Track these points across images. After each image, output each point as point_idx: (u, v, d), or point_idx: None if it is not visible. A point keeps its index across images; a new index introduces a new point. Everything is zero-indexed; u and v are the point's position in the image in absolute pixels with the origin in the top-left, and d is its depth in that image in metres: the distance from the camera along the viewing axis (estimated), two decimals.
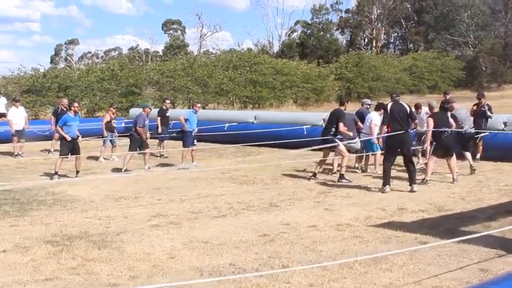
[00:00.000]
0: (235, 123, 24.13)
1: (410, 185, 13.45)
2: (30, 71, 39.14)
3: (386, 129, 13.86)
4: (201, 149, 19.81)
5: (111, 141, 20.35)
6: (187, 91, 41.94)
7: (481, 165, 16.28)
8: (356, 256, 8.11)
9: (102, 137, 20.39)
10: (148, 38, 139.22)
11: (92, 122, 27.88)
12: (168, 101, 22.73)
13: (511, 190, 13.21)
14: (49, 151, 21.75)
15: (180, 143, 18.96)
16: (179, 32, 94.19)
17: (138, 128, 17.38)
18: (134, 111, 30.21)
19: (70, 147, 16.14)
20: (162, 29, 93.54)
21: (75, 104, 17.43)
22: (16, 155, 21.00)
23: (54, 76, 38.42)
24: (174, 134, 19.94)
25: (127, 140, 18.55)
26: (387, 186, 13.44)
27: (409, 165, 13.63)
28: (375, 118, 15.81)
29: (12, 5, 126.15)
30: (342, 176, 15.11)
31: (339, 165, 15.66)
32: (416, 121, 14.44)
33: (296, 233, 9.72)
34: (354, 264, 7.80)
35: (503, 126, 17.47)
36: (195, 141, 18.39)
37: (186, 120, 18.17)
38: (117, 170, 17.59)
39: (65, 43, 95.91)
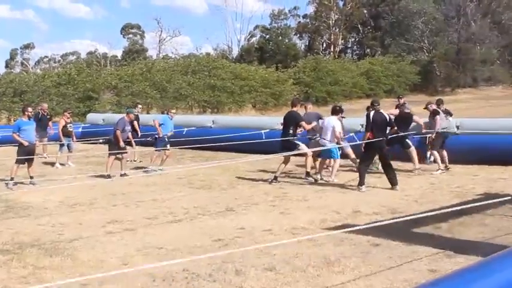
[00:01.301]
0: (193, 128, 24.08)
1: (392, 186, 14.08)
2: None
3: (369, 136, 14.38)
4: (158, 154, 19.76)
5: (68, 146, 20.13)
6: (146, 96, 41.78)
7: (434, 167, 16.48)
8: (309, 259, 8.16)
9: (59, 142, 20.16)
10: (107, 42, 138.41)
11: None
12: (139, 106, 22.70)
13: (463, 192, 13.41)
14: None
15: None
16: (138, 36, 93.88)
17: (117, 131, 17.27)
18: (92, 117, 30.10)
19: (26, 153, 15.88)
20: (121, 33, 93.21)
21: (29, 109, 17.17)
22: None
23: (9, 81, 38.07)
24: (149, 139, 19.85)
25: (84, 146, 18.41)
26: (363, 185, 14.09)
27: (386, 168, 14.40)
28: (337, 125, 15.67)
29: None
30: (307, 174, 15.53)
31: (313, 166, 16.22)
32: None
33: (251, 237, 9.74)
34: (307, 267, 7.85)
35: (456, 129, 17.77)
36: (168, 145, 18.36)
37: (160, 124, 18.24)
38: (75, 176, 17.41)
39: (21, 47, 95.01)
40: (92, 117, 30.46)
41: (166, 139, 18.32)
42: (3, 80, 38.19)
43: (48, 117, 22.44)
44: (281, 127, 16.22)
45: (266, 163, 17.39)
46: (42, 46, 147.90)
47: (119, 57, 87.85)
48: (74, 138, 20.51)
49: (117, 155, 17.10)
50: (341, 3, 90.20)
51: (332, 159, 15.94)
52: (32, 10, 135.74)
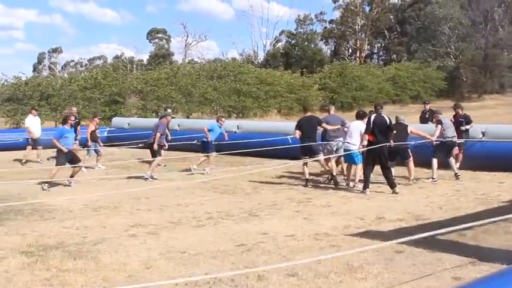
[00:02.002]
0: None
1: (392, 189, 14.35)
2: (12, 79, 38.93)
3: (367, 139, 14.60)
4: (183, 158, 19.86)
5: (95, 150, 20.33)
6: (171, 100, 41.89)
7: (459, 174, 16.36)
8: (332, 265, 8.13)
9: (86, 147, 20.38)
10: (133, 46, 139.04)
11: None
12: (169, 110, 22.97)
13: (488, 199, 13.27)
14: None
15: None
16: (164, 41, 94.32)
17: (156, 134, 17.82)
18: (117, 121, 30.21)
19: (67, 158, 16.48)
20: (147, 38, 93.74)
21: (72, 118, 17.61)
22: (37, 161, 21.70)
23: (36, 84, 38.31)
24: (195, 141, 20.25)
25: (111, 150, 18.56)
26: (367, 189, 14.43)
27: (385, 172, 14.63)
28: (364, 129, 15.72)
29: None
30: (332, 176, 16.05)
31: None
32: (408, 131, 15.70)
33: (274, 243, 9.71)
34: (330, 273, 7.82)
35: (482, 135, 17.58)
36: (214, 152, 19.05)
37: (209, 130, 18.92)
38: (103, 178, 17.52)
39: (48, 51, 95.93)
40: (117, 121, 30.54)
41: (213, 145, 19.01)
42: (30, 84, 38.36)
43: (77, 121, 22.76)
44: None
45: (290, 168, 17.35)
46: (69, 50, 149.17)
47: (145, 62, 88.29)
48: (100, 143, 20.70)
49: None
50: (367, 9, 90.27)
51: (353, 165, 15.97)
52: (59, 15, 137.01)
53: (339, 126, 16.48)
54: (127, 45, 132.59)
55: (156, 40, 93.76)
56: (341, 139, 16.30)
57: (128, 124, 28.74)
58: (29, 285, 7.69)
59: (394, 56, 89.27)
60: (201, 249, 9.31)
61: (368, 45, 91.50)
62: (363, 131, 15.40)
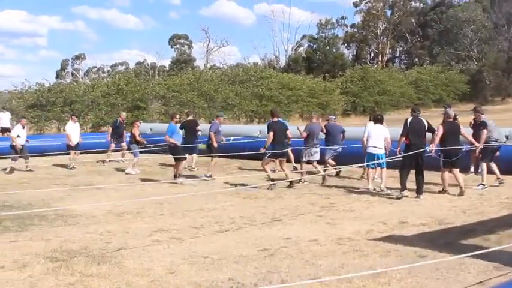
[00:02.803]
0: (240, 137, 24.11)
1: (417, 194, 14.37)
2: (35, 86, 39.17)
3: (404, 141, 14.65)
4: (206, 163, 19.92)
5: (134, 153, 20.90)
6: (193, 106, 42.01)
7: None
8: (355, 270, 8.11)
9: (130, 150, 21.44)
10: (155, 52, 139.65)
11: (97, 136, 28.14)
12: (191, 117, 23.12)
13: None
14: (104, 161, 23.37)
15: None
16: (186, 46, 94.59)
17: (211, 133, 18.82)
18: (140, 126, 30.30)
19: (180, 151, 18.10)
20: (169, 44, 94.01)
21: (177, 116, 20.07)
22: (71, 167, 22.11)
23: (59, 91, 38.49)
24: (201, 146, 20.57)
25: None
26: (405, 190, 14.42)
27: (418, 177, 14.54)
28: (387, 132, 15.99)
29: (19, 20, 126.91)
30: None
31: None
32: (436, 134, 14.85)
33: (296, 248, 9.72)
34: (353, 278, 7.80)
35: (505, 139, 17.40)
36: None
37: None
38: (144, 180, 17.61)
39: (72, 58, 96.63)
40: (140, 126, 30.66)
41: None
42: (53, 90, 38.51)
43: (124, 125, 23.66)
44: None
45: (313, 173, 17.34)
46: (92, 56, 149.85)
47: (167, 67, 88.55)
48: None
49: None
50: (389, 12, 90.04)
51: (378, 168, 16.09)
52: (82, 21, 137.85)
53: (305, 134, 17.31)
54: (149, 51, 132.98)
55: (178, 46, 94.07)
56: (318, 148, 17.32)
57: (151, 129, 28.87)
58: None
59: (416, 59, 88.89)
60: (224, 254, 9.33)
61: (390, 49, 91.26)
62: (387, 135, 15.49)
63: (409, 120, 14.69)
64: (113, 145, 23.60)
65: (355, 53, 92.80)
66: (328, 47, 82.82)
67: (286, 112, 47.87)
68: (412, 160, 14.40)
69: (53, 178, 19.32)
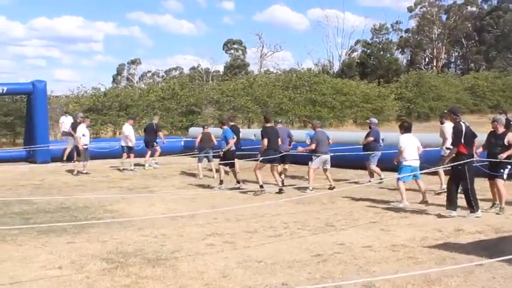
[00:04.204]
0: (294, 143, 24.06)
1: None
2: (91, 90, 39.77)
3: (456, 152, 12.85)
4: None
5: (208, 158, 20.95)
6: (247, 110, 42.17)
7: None
8: (410, 277, 8.05)
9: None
10: (209, 57, 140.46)
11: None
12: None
13: None
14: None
15: None
16: (240, 51, 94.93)
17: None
18: (194, 131, 30.57)
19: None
20: (223, 49, 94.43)
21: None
22: (131, 169, 22.63)
23: (115, 95, 39.02)
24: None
25: (187, 159, 18.91)
26: (479, 209, 12.77)
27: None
28: (417, 141, 14.87)
29: (76, 26, 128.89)
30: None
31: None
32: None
33: (350, 253, 9.69)
34: (407, 285, 7.75)
35: None
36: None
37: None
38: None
39: (128, 63, 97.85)
40: (194, 131, 30.85)
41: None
42: (109, 95, 39.10)
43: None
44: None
45: (363, 178, 17.26)
46: (147, 61, 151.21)
47: (221, 72, 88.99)
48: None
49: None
50: (444, 17, 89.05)
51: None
52: (137, 27, 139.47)
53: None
54: (203, 56, 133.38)
55: (232, 51, 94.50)
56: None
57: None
58: None
59: (472, 64, 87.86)
60: (277, 259, 9.35)
61: (445, 54, 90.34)
62: (419, 145, 14.56)
63: (463, 126, 12.88)
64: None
65: (409, 58, 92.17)
66: (382, 52, 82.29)
67: (340, 117, 47.72)
68: (469, 171, 12.69)
69: (108, 181, 19.60)
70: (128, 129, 23.20)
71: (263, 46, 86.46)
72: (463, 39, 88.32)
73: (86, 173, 21.45)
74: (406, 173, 14.29)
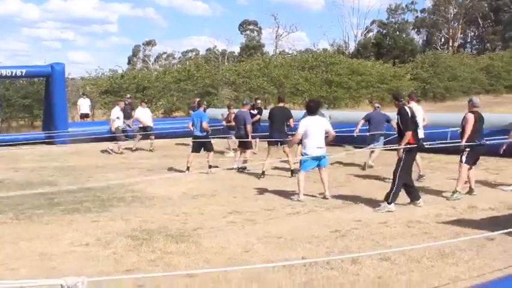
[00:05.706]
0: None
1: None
2: (108, 72, 40.07)
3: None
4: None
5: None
6: (263, 91, 42.31)
7: None
8: (424, 251, 8.35)
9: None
10: (224, 38, 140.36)
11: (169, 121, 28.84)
12: (259, 101, 23.53)
13: None
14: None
15: None
16: (255, 32, 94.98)
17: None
18: (211, 112, 30.75)
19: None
20: (239, 30, 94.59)
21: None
22: (134, 150, 23.55)
23: (132, 77, 39.27)
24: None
25: None
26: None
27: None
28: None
29: (90, 7, 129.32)
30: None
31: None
32: None
33: (367, 229, 10.00)
34: (422, 258, 8.05)
35: None
36: None
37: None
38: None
39: (143, 44, 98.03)
40: (210, 112, 31.11)
41: None
42: (126, 77, 39.35)
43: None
44: None
45: (383, 157, 17.39)
46: (162, 43, 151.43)
47: (236, 54, 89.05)
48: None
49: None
50: None
51: None
52: (152, 8, 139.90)
53: None
54: (218, 37, 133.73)
55: (248, 32, 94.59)
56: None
57: (222, 115, 29.24)
58: (136, 265, 8.22)
59: (488, 44, 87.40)
60: (296, 235, 9.66)
61: (461, 34, 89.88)
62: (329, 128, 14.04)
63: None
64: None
65: (425, 39, 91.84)
66: (398, 32, 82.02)
67: (355, 98, 47.76)
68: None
69: (128, 162, 19.93)
70: (138, 111, 23.58)
71: (278, 27, 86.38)
72: (479, 19, 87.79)
73: (121, 153, 22.48)
74: (306, 167, 13.40)
